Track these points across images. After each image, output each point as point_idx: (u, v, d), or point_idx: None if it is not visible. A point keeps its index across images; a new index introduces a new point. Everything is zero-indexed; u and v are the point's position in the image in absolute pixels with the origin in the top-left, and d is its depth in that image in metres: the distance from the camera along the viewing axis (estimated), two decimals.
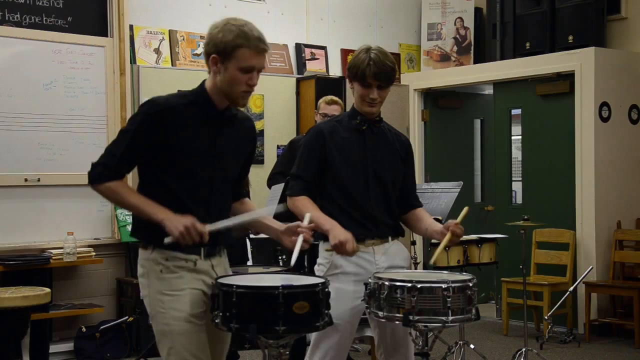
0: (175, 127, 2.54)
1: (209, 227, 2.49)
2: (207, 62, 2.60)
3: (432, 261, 3.00)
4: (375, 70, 3.02)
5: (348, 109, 3.30)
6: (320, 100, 5.10)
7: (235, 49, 2.51)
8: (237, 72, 2.54)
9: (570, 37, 6.77)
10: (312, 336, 3.08)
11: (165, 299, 2.54)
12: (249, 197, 2.95)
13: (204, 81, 2.65)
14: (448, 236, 2.99)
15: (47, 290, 4.80)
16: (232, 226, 2.62)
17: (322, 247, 3.10)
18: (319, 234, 3.04)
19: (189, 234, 2.43)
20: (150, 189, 2.58)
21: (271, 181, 4.94)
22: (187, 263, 2.57)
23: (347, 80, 3.19)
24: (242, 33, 2.52)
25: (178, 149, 2.55)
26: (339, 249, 2.87)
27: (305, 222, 2.70)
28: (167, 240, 2.45)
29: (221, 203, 2.68)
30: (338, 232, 2.88)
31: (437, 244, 4.95)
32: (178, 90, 2.72)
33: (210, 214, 2.59)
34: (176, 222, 2.43)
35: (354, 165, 3.09)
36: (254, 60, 2.54)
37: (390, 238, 3.13)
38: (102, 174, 2.54)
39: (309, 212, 2.98)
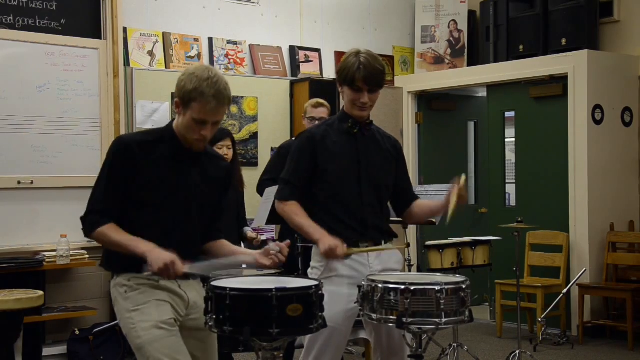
0: (144, 162, 2.60)
1: (186, 269, 2.54)
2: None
3: (447, 220, 2.99)
4: (365, 74, 2.98)
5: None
6: (307, 104, 4.98)
7: (190, 101, 2.58)
8: (191, 121, 2.60)
9: (564, 40, 6.78)
10: (306, 339, 3.08)
11: (133, 314, 2.61)
12: (221, 234, 2.91)
13: (172, 120, 2.72)
14: (455, 194, 2.96)
15: (40, 293, 4.78)
16: (208, 271, 2.65)
17: (316, 251, 3.10)
18: None
19: (167, 271, 2.49)
20: (124, 228, 2.62)
21: (260, 187, 4.80)
22: (149, 281, 2.63)
23: (337, 84, 3.16)
24: (200, 88, 2.56)
25: (147, 183, 2.61)
26: (329, 255, 2.90)
27: (275, 246, 2.72)
28: (145, 273, 2.51)
29: (192, 240, 2.72)
30: (327, 240, 2.90)
31: (432, 247, 5.01)
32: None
33: (182, 252, 2.60)
34: (158, 257, 2.49)
35: (346, 169, 3.09)
36: (206, 115, 2.59)
37: (383, 242, 3.13)
38: (93, 221, 2.61)
39: (299, 220, 3.01)
